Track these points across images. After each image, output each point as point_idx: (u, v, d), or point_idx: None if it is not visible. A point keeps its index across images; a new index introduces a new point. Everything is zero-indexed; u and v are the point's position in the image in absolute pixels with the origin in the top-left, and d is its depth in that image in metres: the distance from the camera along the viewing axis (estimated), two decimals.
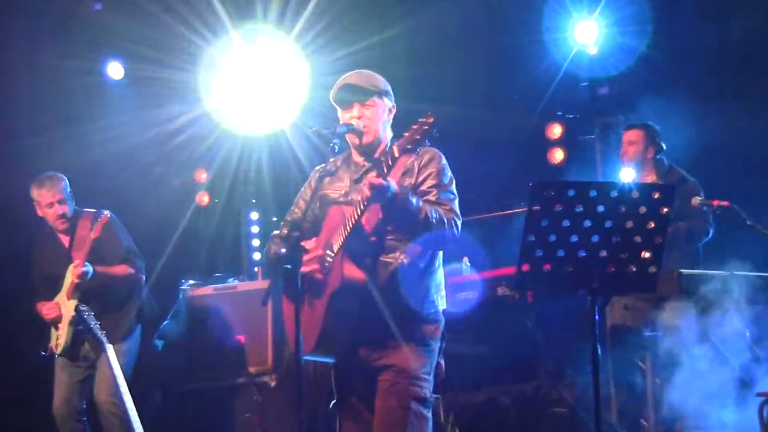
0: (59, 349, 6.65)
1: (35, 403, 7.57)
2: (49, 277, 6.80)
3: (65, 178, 6.86)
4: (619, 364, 7.18)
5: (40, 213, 6.84)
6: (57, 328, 6.69)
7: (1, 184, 7.99)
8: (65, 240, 6.84)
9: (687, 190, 7.11)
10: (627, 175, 8.13)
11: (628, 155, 7.53)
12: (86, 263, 6.50)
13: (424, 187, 4.47)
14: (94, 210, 6.80)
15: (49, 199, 6.75)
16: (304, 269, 4.33)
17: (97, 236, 6.50)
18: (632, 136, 7.54)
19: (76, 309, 6.42)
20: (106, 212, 6.64)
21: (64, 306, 6.63)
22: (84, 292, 6.59)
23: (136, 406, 6.33)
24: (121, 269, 6.77)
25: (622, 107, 9.07)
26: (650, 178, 7.36)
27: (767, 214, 7.06)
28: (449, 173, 4.54)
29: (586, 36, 8.76)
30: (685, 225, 7.08)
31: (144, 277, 6.93)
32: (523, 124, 9.20)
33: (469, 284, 7.32)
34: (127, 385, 6.54)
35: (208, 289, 8.64)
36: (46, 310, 6.68)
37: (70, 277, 6.58)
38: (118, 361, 6.54)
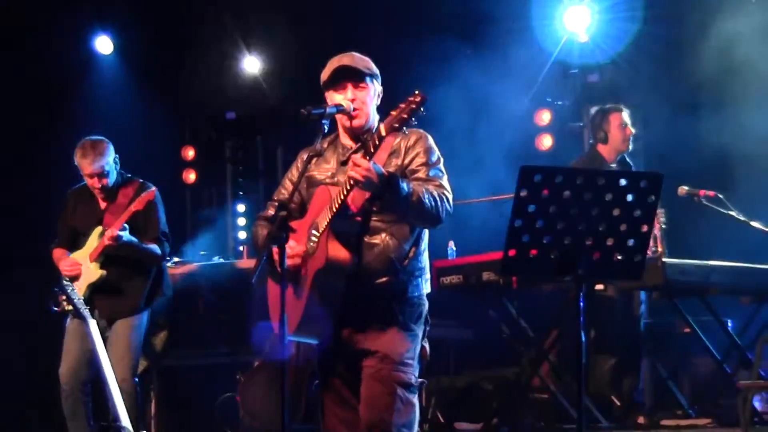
0: (69, 307, 6.42)
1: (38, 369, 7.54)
2: (75, 231, 6.65)
3: (110, 145, 6.57)
4: None
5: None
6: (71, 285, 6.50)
7: None
8: (102, 203, 6.63)
9: None
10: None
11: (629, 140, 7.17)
12: (123, 227, 6.33)
13: (412, 166, 4.43)
14: (140, 180, 6.61)
15: (89, 171, 6.50)
16: (288, 263, 4.29)
17: (139, 209, 6.33)
18: (627, 117, 7.21)
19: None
20: (153, 188, 6.46)
21: (86, 268, 6.49)
22: (108, 257, 6.46)
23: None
24: (152, 247, 6.57)
25: (612, 95, 9.08)
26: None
27: (754, 204, 7.10)
28: (437, 152, 4.52)
29: (577, 22, 8.75)
30: None
31: (165, 263, 6.80)
32: (512, 109, 9.20)
33: (454, 268, 7.33)
34: (134, 362, 6.53)
35: (193, 266, 8.64)
36: (65, 266, 6.50)
37: (95, 240, 6.45)
38: (130, 335, 6.47)
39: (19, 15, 8.84)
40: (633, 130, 7.17)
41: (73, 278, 6.50)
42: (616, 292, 6.90)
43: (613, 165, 7.08)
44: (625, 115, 7.14)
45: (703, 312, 7.10)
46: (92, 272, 6.47)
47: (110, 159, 6.56)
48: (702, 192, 7.03)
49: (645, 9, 8.47)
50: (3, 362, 8.45)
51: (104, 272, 6.47)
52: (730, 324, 7.33)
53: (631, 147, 7.19)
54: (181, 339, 8.26)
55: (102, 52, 9.77)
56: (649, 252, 6.59)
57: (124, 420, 5.85)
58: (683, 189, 7.07)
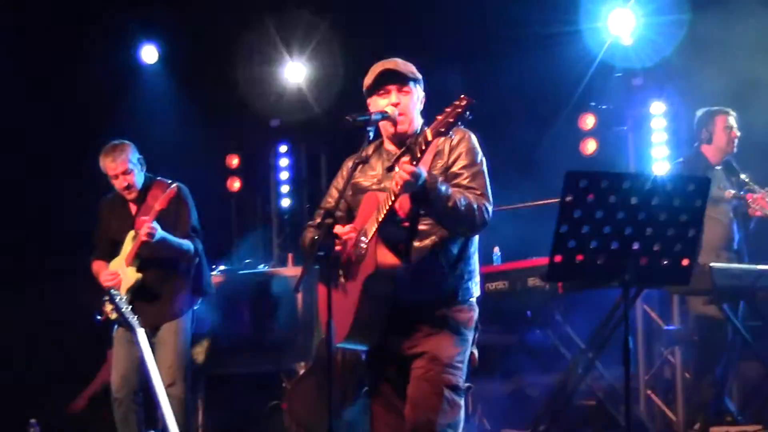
0: (114, 315, 6.44)
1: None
2: (112, 241, 6.64)
3: (131, 145, 6.60)
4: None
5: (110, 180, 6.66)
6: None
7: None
8: (133, 208, 6.63)
9: None
10: (660, 167, 8.09)
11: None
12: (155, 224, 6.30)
13: (455, 169, 4.42)
14: (167, 181, 6.58)
15: (113, 171, 6.52)
16: (337, 247, 4.31)
17: (163, 208, 6.31)
18: (733, 120, 7.27)
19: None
20: (175, 185, 6.43)
21: (123, 274, 6.48)
22: (143, 261, 6.46)
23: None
24: (184, 242, 6.55)
25: (656, 99, 9.01)
26: None
27: None
28: (480, 153, 4.48)
29: (621, 25, 8.70)
30: None
31: (198, 260, 6.73)
32: (556, 113, 9.16)
33: (500, 274, 7.31)
34: (184, 366, 6.54)
35: (238, 274, 8.68)
36: (105, 277, 6.47)
37: (130, 244, 6.45)
38: (176, 338, 6.49)
39: (65, 25, 8.93)
40: (738, 133, 7.18)
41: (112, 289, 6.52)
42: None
43: (719, 167, 7.11)
44: (731, 118, 7.20)
45: (751, 317, 7.03)
46: (129, 277, 6.46)
47: (132, 157, 6.57)
48: (749, 196, 6.97)
49: (690, 12, 8.39)
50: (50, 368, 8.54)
51: (140, 275, 6.46)
52: None
53: (735, 149, 7.20)
54: (226, 347, 8.29)
55: (147, 62, 9.86)
56: None
57: (173, 430, 5.85)
58: (729, 192, 7.01)
